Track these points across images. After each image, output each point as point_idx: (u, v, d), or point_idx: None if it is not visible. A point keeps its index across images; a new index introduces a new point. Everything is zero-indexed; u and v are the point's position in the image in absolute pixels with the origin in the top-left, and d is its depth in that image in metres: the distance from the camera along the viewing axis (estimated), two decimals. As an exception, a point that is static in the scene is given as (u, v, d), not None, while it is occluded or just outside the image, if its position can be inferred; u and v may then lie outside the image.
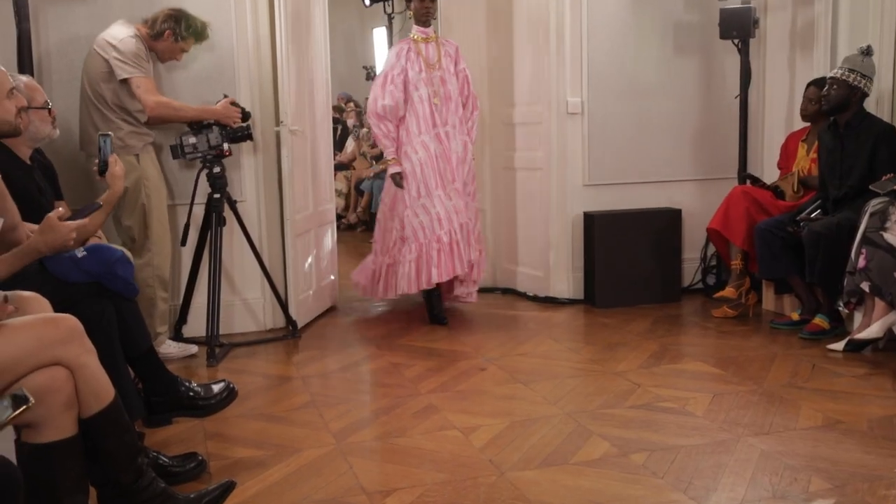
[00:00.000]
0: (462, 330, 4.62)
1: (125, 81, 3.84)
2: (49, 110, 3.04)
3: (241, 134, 4.15)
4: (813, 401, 3.29)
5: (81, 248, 2.64)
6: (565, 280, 5.13)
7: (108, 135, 2.96)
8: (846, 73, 4.14)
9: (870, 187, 3.90)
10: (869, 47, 4.19)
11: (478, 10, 5.42)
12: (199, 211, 4.20)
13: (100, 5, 4.13)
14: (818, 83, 4.46)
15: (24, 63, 3.76)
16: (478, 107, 4.82)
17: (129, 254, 3.08)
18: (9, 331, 1.96)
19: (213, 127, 4.05)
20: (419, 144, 4.55)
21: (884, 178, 3.91)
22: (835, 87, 4.17)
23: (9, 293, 2.11)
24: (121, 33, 3.87)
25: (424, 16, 4.70)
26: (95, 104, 3.87)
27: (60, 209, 2.36)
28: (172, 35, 3.96)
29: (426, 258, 4.52)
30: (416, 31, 4.71)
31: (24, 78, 3.11)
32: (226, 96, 4.17)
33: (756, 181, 4.73)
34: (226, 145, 4.10)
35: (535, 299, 5.22)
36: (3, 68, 2.55)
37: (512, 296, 5.41)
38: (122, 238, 3.93)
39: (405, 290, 4.61)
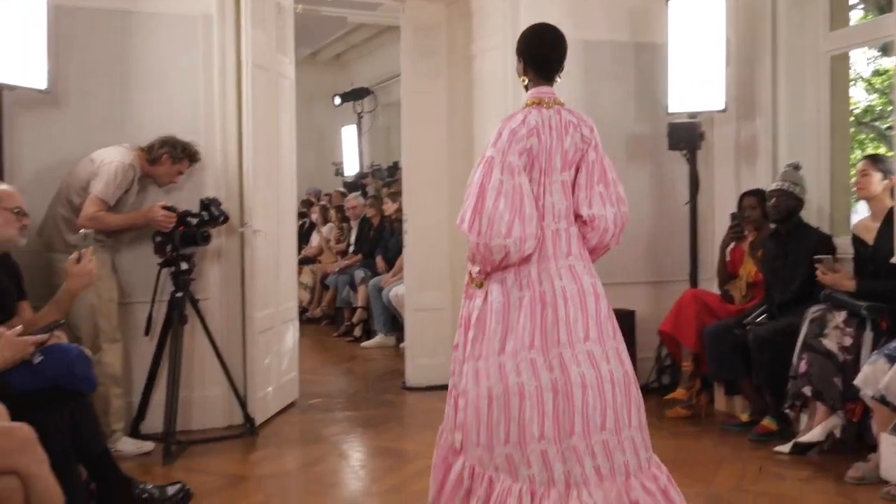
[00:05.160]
0: (418, 428, 4.65)
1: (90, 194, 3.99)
2: (18, 216, 3.08)
3: (194, 237, 4.21)
4: (757, 504, 3.37)
5: (38, 353, 2.70)
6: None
7: (89, 231, 3.06)
8: (791, 185, 4.41)
9: (814, 257, 4.12)
10: (798, 163, 4.55)
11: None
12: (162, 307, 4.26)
13: (74, 112, 4.28)
14: (753, 193, 4.80)
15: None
16: None
17: (85, 349, 3.16)
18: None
19: (176, 230, 4.16)
20: None
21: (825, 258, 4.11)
22: (782, 198, 4.41)
23: None
24: (116, 157, 4.04)
25: None
26: (66, 206, 3.99)
27: (18, 327, 2.43)
28: (170, 158, 4.19)
29: None
30: None
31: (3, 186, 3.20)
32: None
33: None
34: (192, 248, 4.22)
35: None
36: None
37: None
38: (68, 337, 3.97)
39: None
